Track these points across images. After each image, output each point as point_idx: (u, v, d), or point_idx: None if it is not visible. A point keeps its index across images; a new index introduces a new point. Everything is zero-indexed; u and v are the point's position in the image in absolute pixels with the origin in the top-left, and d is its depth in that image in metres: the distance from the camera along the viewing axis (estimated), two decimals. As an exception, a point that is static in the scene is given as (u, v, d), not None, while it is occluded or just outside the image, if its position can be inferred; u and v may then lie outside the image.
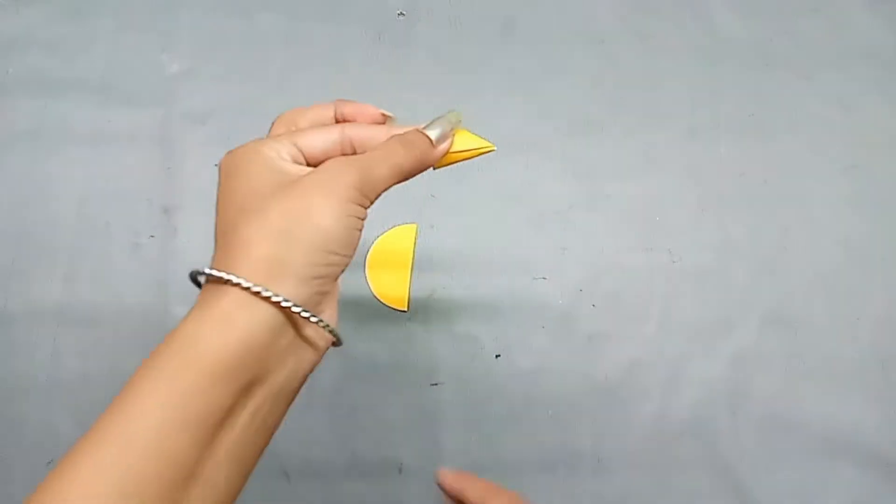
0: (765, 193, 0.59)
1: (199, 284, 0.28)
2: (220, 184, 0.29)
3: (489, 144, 0.36)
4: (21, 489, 0.50)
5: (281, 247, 0.26)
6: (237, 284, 0.25)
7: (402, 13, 0.64)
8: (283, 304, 0.26)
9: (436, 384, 0.53)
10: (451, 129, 0.35)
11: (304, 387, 0.55)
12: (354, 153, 0.32)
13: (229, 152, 0.30)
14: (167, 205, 0.57)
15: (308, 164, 0.31)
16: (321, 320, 0.28)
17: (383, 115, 0.35)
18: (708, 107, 0.61)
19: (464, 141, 0.36)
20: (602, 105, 0.61)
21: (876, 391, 0.54)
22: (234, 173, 0.29)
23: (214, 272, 0.26)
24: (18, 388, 0.52)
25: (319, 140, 0.31)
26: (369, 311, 0.55)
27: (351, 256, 0.29)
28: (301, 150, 0.31)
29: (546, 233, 0.58)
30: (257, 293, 0.25)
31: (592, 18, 0.64)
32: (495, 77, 0.62)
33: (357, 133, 0.32)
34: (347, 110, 0.34)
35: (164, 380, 0.24)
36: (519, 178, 0.59)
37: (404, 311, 0.33)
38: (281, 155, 0.30)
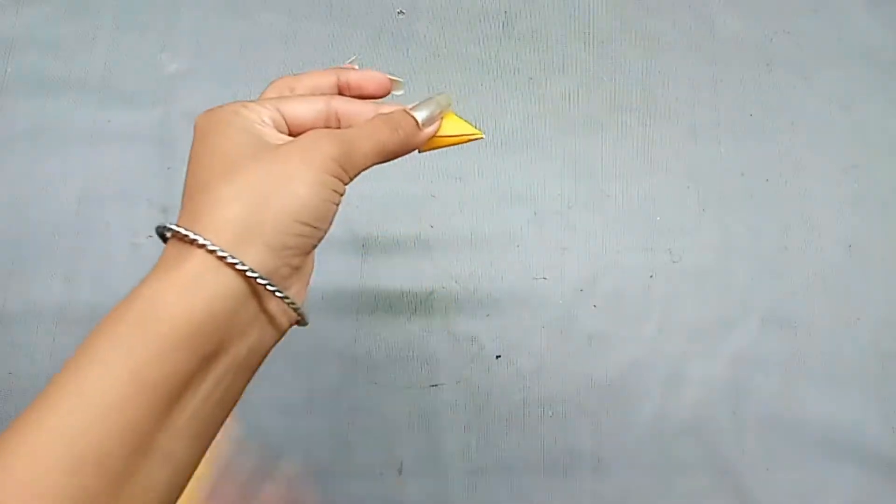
0: (765, 193, 0.59)
1: (164, 240, 0.27)
2: (194, 142, 0.28)
3: (477, 131, 0.35)
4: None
5: (252, 210, 0.25)
6: (203, 246, 0.24)
7: (401, 12, 0.64)
8: (249, 274, 0.25)
9: (436, 385, 0.53)
10: (440, 113, 0.33)
11: (303, 387, 0.56)
12: (339, 127, 0.31)
13: (207, 111, 0.29)
14: (166, 205, 0.57)
15: (290, 134, 0.30)
16: (287, 296, 0.27)
17: (391, 80, 0.34)
18: (708, 106, 0.61)
19: (452, 126, 0.34)
20: (602, 104, 0.61)
21: (876, 391, 0.54)
22: (210, 132, 0.28)
23: (181, 230, 0.25)
24: (17, 388, 0.52)
25: (304, 109, 0.30)
26: (369, 311, 0.55)
27: (325, 231, 0.28)
28: (284, 118, 0.30)
29: (546, 233, 0.58)
30: (223, 258, 0.24)
31: (593, 18, 0.64)
32: (495, 76, 0.62)
33: (343, 107, 0.32)
34: (352, 78, 0.34)
35: (122, 344, 0.23)
36: (519, 177, 0.59)
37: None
38: (262, 119, 0.29)
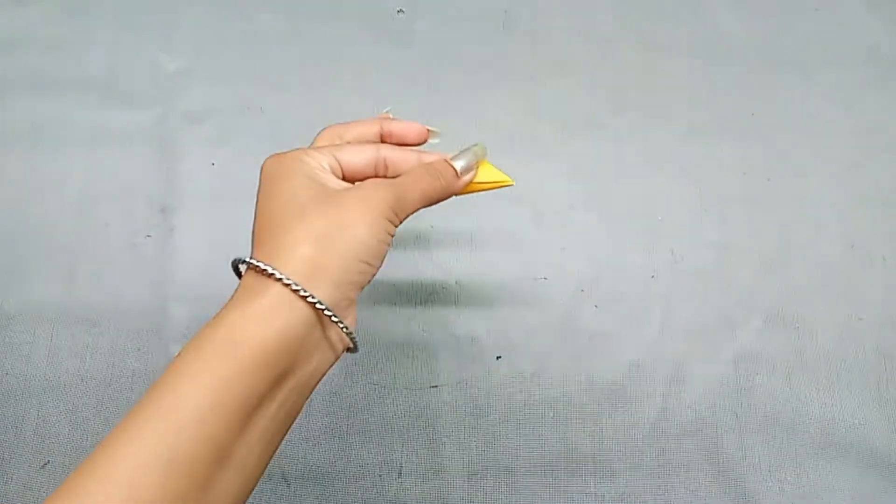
0: (766, 193, 0.59)
1: (238, 273, 0.31)
2: (262, 184, 0.32)
3: (508, 179, 0.39)
4: (18, 489, 0.50)
5: (321, 251, 0.29)
6: (280, 280, 0.28)
7: (401, 11, 0.64)
8: (318, 306, 0.28)
9: (435, 386, 0.53)
10: (476, 162, 0.38)
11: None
12: (386, 172, 0.35)
13: (274, 156, 0.33)
14: (165, 204, 0.57)
15: (345, 178, 0.34)
16: (346, 326, 0.30)
17: (429, 130, 0.39)
18: (709, 106, 0.61)
19: (486, 173, 0.38)
20: (603, 104, 0.61)
21: (878, 391, 0.54)
22: (277, 177, 0.31)
23: (261, 264, 0.28)
24: (16, 388, 0.52)
25: (357, 157, 0.34)
26: (369, 312, 0.54)
27: (378, 268, 0.32)
28: (340, 164, 0.34)
29: (547, 233, 0.57)
30: (297, 291, 0.28)
31: (593, 17, 0.64)
32: (495, 76, 0.62)
33: (391, 154, 0.35)
34: (394, 127, 0.38)
35: (207, 366, 0.26)
36: (519, 177, 0.59)
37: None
38: (322, 166, 0.33)
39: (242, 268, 0.30)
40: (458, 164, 0.37)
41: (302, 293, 0.28)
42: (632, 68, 0.62)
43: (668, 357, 0.54)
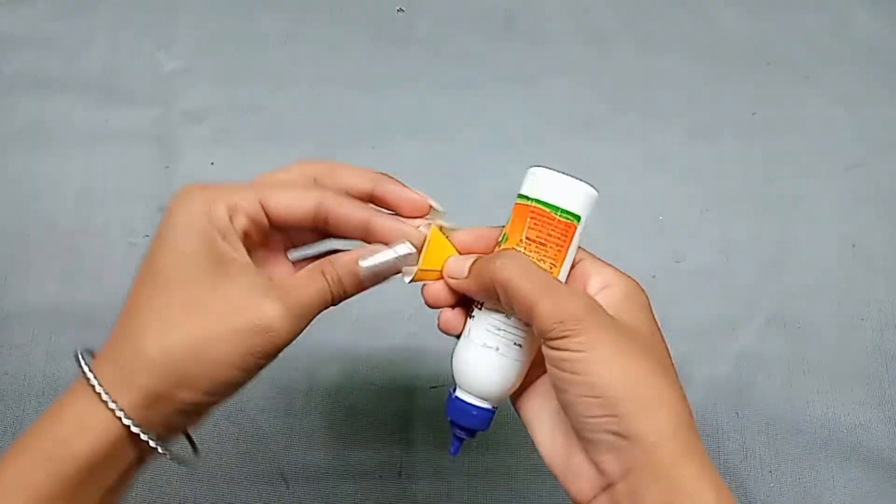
0: (768, 193, 0.59)
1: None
2: (161, 224, 0.29)
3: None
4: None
5: (166, 383, 0.26)
6: (98, 394, 0.26)
7: (401, 10, 0.63)
8: (125, 421, 0.26)
9: (435, 386, 0.53)
10: (394, 265, 0.31)
11: (302, 391, 0.55)
12: (326, 227, 0.30)
13: (186, 192, 0.29)
14: (164, 204, 0.56)
15: (271, 225, 0.30)
16: (168, 452, 0.27)
17: (430, 206, 0.32)
18: (710, 106, 0.61)
19: (435, 257, 0.32)
20: (603, 104, 0.61)
21: (880, 392, 0.54)
22: (173, 227, 0.28)
23: (94, 381, 0.26)
24: (14, 388, 0.52)
25: (292, 204, 0.29)
26: (369, 312, 0.54)
27: (234, 392, 0.29)
28: (267, 211, 0.29)
29: (547, 233, 0.57)
30: (105, 403, 0.26)
31: (593, 16, 0.64)
32: (495, 75, 0.62)
33: (335, 210, 0.30)
34: (390, 191, 0.32)
35: (29, 482, 0.25)
36: (519, 177, 0.59)
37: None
38: (228, 227, 0.28)
39: (79, 352, 0.28)
40: (365, 265, 0.30)
41: (110, 405, 0.26)
42: (632, 68, 0.62)
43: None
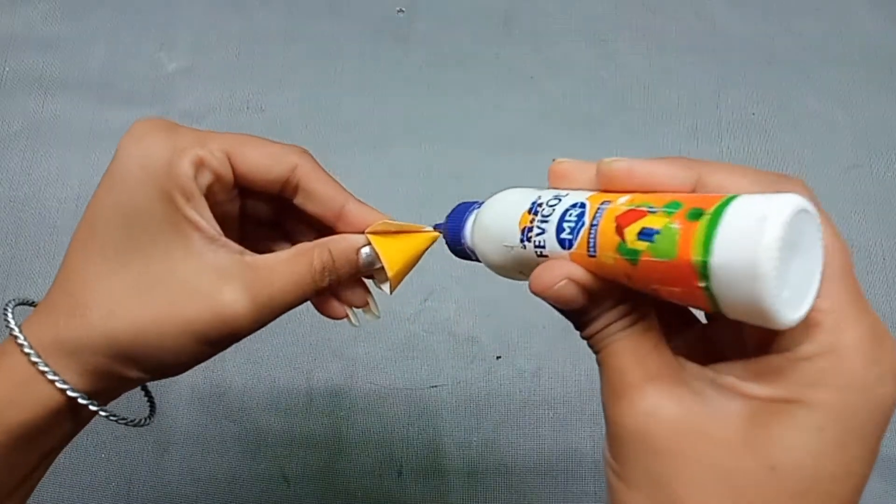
0: (767, 193, 0.59)
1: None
2: (111, 165, 0.24)
3: (419, 227, 0.29)
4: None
5: (111, 362, 0.24)
6: (34, 363, 0.23)
7: (401, 10, 0.63)
8: (70, 393, 0.23)
9: (435, 386, 0.53)
10: (370, 266, 0.28)
11: (303, 390, 0.55)
12: (295, 196, 0.26)
13: (141, 125, 0.24)
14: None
15: (235, 185, 0.25)
16: (113, 415, 0.25)
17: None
18: (709, 105, 0.61)
19: (395, 254, 0.28)
20: (603, 103, 0.61)
21: (879, 392, 0.54)
22: (125, 174, 0.24)
23: (21, 338, 0.24)
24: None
25: (264, 162, 0.25)
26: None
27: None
28: (234, 165, 0.25)
29: (547, 232, 0.57)
30: (44, 373, 0.23)
31: (593, 16, 0.64)
32: (495, 75, 0.62)
33: (308, 178, 0.26)
34: (352, 213, 0.27)
35: None
36: (519, 177, 0.59)
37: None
38: (192, 182, 0.24)
39: (9, 314, 0.25)
40: (365, 252, 0.27)
41: (50, 377, 0.23)
42: (632, 68, 0.62)
43: (669, 357, 0.54)
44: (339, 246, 0.27)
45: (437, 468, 0.51)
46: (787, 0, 0.65)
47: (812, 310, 0.17)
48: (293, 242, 0.29)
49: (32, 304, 0.27)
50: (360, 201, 0.27)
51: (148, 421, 0.27)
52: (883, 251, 0.57)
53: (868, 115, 0.61)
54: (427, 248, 0.29)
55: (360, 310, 0.30)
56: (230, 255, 0.24)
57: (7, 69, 0.61)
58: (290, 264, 0.25)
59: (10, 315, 0.25)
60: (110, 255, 0.23)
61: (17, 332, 0.24)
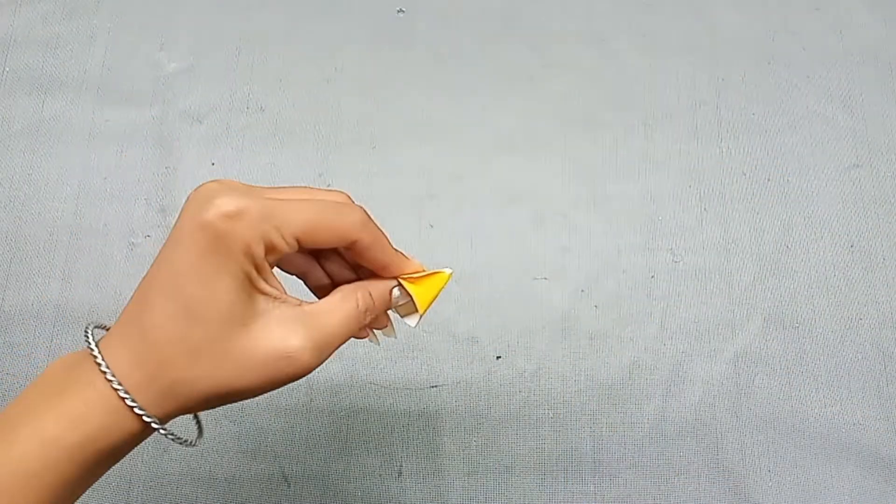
0: (767, 193, 0.59)
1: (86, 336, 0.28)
2: (181, 219, 0.27)
3: (440, 272, 0.33)
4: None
5: (184, 402, 0.27)
6: (110, 383, 0.26)
7: (401, 10, 0.63)
8: (145, 418, 0.26)
9: (435, 386, 0.53)
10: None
11: (303, 391, 0.56)
12: (345, 252, 0.31)
13: (210, 190, 0.27)
14: (164, 204, 0.57)
15: (300, 245, 0.28)
16: (172, 435, 0.28)
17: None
18: (709, 105, 0.61)
19: (426, 293, 0.33)
20: (603, 103, 0.61)
21: (878, 391, 0.54)
22: (208, 259, 0.26)
23: (99, 357, 0.26)
24: (16, 389, 0.52)
25: (330, 240, 0.29)
26: (369, 311, 0.54)
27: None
28: (300, 242, 0.28)
29: (547, 233, 0.57)
30: (124, 399, 0.26)
31: (593, 16, 0.64)
32: (495, 75, 0.62)
33: (369, 247, 0.30)
34: (372, 257, 0.31)
35: (19, 468, 0.25)
36: (519, 177, 0.59)
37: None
38: (263, 259, 0.27)
39: (89, 336, 0.27)
40: (396, 294, 0.32)
41: (129, 403, 0.26)
42: (632, 68, 0.62)
43: (668, 357, 0.54)
44: (377, 289, 0.31)
45: (437, 468, 0.51)
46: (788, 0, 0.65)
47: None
48: (317, 258, 0.33)
49: (105, 328, 0.29)
50: (408, 263, 0.32)
51: (198, 441, 0.30)
52: (883, 251, 0.57)
53: (868, 114, 0.61)
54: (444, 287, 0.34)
55: (379, 330, 0.35)
56: (292, 308, 0.28)
57: (7, 69, 0.61)
58: (340, 310, 0.29)
59: (92, 344, 0.27)
60: (196, 327, 0.26)
61: (104, 366, 0.26)
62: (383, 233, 0.31)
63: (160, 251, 0.27)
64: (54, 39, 0.62)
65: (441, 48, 0.62)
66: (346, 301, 0.30)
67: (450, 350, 0.54)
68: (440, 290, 0.33)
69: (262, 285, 0.28)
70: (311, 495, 0.51)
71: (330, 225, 0.28)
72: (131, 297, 0.28)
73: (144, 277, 0.27)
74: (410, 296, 0.32)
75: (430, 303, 0.33)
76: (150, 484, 0.50)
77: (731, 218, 0.58)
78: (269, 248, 0.27)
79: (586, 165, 0.59)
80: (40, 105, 0.60)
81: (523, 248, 0.57)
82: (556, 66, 0.62)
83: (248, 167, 0.58)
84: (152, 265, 0.27)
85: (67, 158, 0.58)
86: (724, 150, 0.60)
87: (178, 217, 0.27)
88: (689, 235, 0.58)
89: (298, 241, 0.28)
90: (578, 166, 0.59)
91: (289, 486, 0.51)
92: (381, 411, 0.52)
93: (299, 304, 0.29)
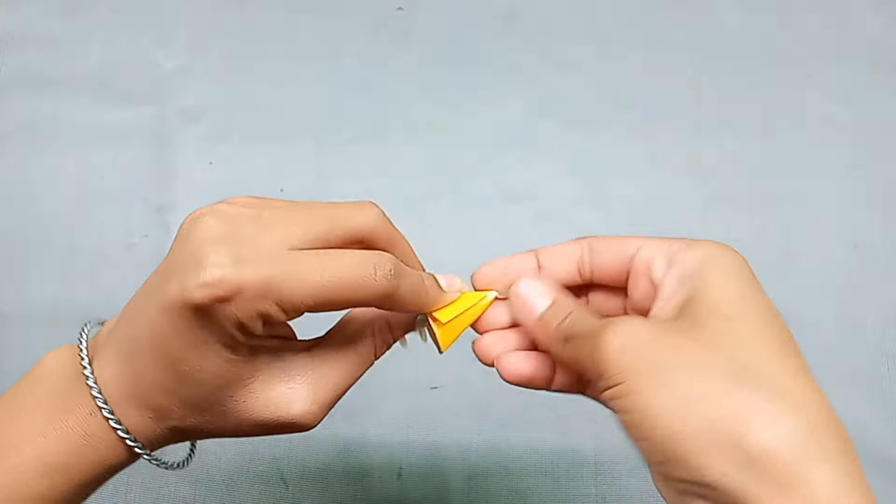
0: (769, 192, 0.59)
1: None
2: (169, 269, 0.24)
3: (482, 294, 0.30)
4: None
5: (180, 436, 0.26)
6: (101, 409, 0.25)
7: (401, 8, 0.63)
8: (129, 443, 0.25)
9: (436, 387, 0.53)
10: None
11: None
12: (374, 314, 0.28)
13: (218, 286, 0.22)
14: (161, 204, 0.57)
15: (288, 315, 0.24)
16: (156, 460, 0.27)
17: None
18: (712, 104, 0.61)
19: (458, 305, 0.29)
20: (604, 102, 0.61)
21: (882, 393, 0.54)
22: (197, 322, 0.23)
23: (113, 424, 0.25)
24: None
25: (349, 297, 0.24)
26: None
27: None
28: (316, 306, 0.24)
29: (548, 232, 0.57)
30: (108, 419, 0.25)
31: (595, 14, 0.64)
32: (496, 73, 0.61)
33: (399, 301, 0.26)
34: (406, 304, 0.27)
35: (12, 484, 0.24)
36: (520, 176, 0.59)
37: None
38: (260, 327, 0.24)
39: (83, 337, 0.27)
40: (419, 319, 0.30)
41: (113, 425, 0.25)
42: (633, 66, 0.62)
43: (670, 357, 0.54)
44: (399, 321, 0.30)
45: (438, 470, 0.51)
46: (789, -1, 0.65)
47: None
48: None
49: (101, 323, 0.29)
50: (440, 291, 0.29)
51: (186, 464, 0.29)
52: (885, 251, 0.57)
53: (870, 114, 0.61)
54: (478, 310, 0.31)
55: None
56: (296, 358, 0.26)
57: (3, 68, 0.61)
58: (353, 355, 0.28)
59: (88, 370, 0.26)
60: (179, 378, 0.24)
61: (96, 391, 0.25)
62: (421, 273, 0.28)
63: (150, 280, 0.26)
64: (52, 38, 0.62)
65: (441, 46, 0.62)
66: (361, 345, 0.28)
67: (450, 350, 0.54)
68: (475, 319, 0.30)
69: (257, 347, 0.25)
70: (310, 497, 0.50)
71: (348, 297, 0.24)
72: (126, 307, 0.27)
73: (136, 299, 0.26)
74: (433, 334, 0.29)
75: (460, 334, 0.30)
76: (149, 485, 0.50)
77: (734, 217, 0.58)
78: (268, 320, 0.23)
79: (588, 164, 0.59)
80: (37, 103, 0.59)
81: (523, 247, 0.56)
82: (557, 64, 0.62)
83: (246, 166, 0.58)
84: (144, 288, 0.26)
85: (64, 157, 0.58)
86: (725, 149, 0.60)
87: (169, 254, 0.25)
88: (691, 235, 0.57)
89: (305, 310, 0.24)
90: (579, 165, 0.59)
91: (287, 488, 0.50)
92: (380, 413, 0.52)
93: (306, 349, 0.27)
